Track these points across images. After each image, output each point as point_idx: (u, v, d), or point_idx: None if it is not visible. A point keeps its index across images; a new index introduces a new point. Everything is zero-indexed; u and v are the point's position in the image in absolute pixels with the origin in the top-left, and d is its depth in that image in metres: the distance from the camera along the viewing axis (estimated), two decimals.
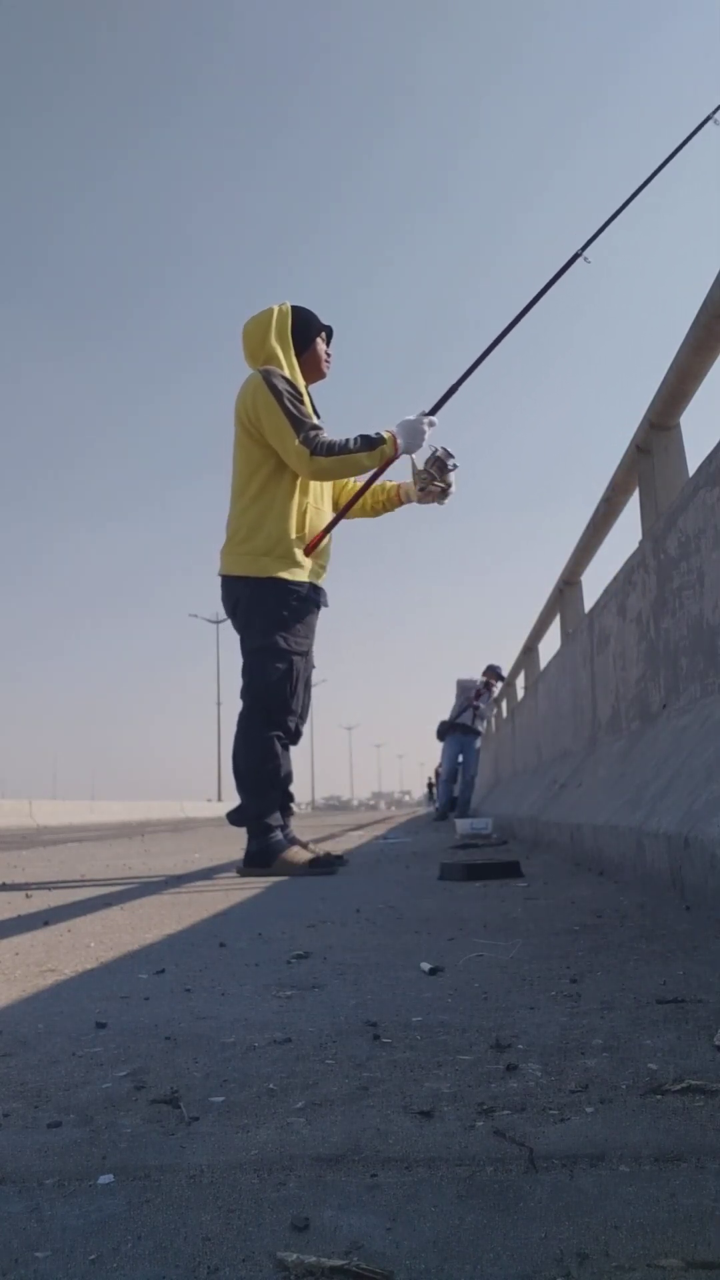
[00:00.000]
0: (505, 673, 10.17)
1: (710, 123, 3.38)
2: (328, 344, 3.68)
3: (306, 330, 3.58)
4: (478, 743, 10.41)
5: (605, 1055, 0.90)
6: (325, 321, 3.67)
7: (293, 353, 3.54)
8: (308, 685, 3.64)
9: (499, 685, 10.29)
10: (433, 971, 1.35)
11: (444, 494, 3.52)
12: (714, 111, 3.36)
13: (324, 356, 3.65)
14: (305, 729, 3.67)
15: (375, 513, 3.73)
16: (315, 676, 3.79)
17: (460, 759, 10.40)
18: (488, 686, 10.26)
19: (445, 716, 10.58)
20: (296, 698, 3.49)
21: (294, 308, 3.60)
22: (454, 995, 1.20)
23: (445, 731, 10.44)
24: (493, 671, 10.22)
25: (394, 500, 3.68)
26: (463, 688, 10.38)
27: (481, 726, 10.42)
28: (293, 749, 3.64)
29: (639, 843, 2.26)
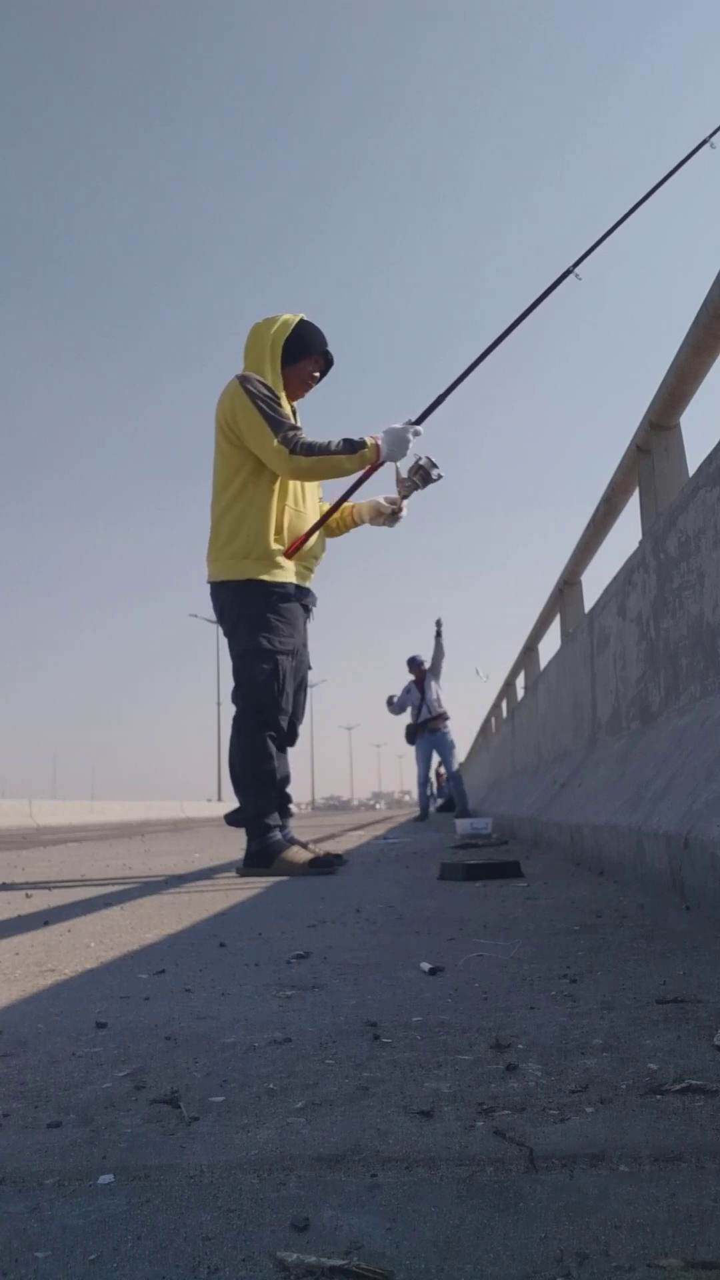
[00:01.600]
0: (422, 658, 10.40)
1: (707, 146, 3.38)
2: (321, 371, 3.63)
3: (303, 347, 3.53)
4: (449, 735, 10.48)
5: (605, 1055, 0.90)
6: (329, 346, 3.60)
7: (279, 363, 3.51)
8: (303, 686, 3.64)
9: (429, 674, 10.42)
10: (433, 971, 1.35)
11: (395, 516, 3.62)
12: (712, 134, 3.36)
13: (308, 378, 3.60)
14: (304, 730, 3.66)
15: (333, 534, 3.76)
16: (314, 677, 3.80)
17: (437, 757, 10.55)
18: (417, 683, 10.44)
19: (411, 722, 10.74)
20: (286, 696, 3.49)
21: (303, 322, 3.55)
22: (454, 995, 1.20)
23: (413, 735, 10.59)
24: (412, 663, 10.45)
25: (348, 521, 3.71)
26: (402, 703, 10.57)
27: (441, 707, 10.46)
28: (291, 750, 3.64)
29: (639, 843, 2.26)
